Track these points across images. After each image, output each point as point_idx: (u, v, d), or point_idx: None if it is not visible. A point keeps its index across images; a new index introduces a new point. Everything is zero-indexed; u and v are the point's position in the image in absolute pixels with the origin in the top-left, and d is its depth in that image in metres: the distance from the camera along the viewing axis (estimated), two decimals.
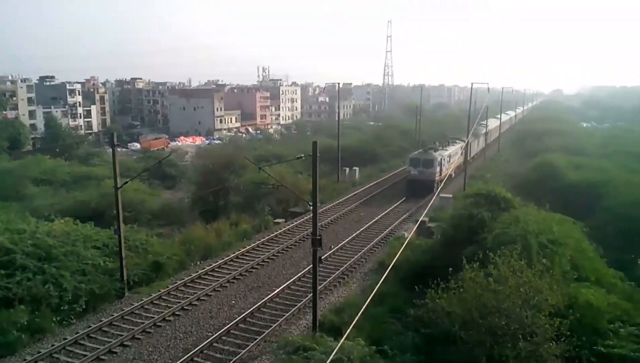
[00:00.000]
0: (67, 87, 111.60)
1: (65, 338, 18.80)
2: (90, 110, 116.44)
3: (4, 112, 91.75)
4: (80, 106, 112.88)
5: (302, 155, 22.33)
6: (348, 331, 13.16)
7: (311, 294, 20.15)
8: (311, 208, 19.36)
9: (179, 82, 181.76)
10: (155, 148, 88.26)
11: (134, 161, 62.27)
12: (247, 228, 32.88)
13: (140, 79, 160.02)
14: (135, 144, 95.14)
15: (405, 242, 20.24)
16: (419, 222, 27.61)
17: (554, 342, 15.07)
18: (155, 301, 22.34)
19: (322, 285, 23.23)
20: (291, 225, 34.13)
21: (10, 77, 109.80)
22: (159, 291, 23.14)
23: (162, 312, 21.17)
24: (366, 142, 68.19)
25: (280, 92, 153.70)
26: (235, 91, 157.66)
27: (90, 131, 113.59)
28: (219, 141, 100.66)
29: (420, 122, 64.09)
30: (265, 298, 22.64)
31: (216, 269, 26.26)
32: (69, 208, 34.49)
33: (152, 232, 29.88)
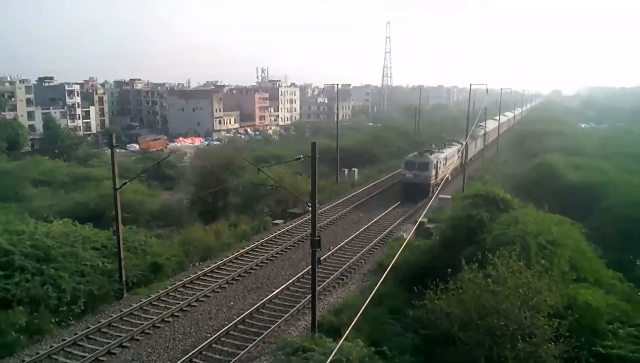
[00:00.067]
0: (66, 88, 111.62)
1: (64, 340, 18.76)
2: (89, 111, 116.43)
3: (2, 113, 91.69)
4: (79, 107, 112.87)
5: (301, 156, 22.35)
6: (347, 332, 13.15)
7: (310, 295, 20.14)
8: (310, 209, 19.36)
9: (178, 83, 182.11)
10: (154, 149, 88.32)
11: (132, 162, 62.22)
12: (246, 229, 32.86)
13: (139, 80, 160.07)
14: (134, 145, 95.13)
15: (404, 243, 20.23)
16: (418, 223, 27.63)
17: (553, 343, 15.08)
18: (154, 303, 22.31)
19: (321, 286, 23.22)
20: (290, 226, 34.12)
21: (9, 78, 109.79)
22: (158, 292, 23.11)
23: (161, 313, 21.13)
24: (365, 143, 68.24)
25: (279, 93, 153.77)
26: (234, 92, 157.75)
27: (89, 132, 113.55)
28: (218, 142, 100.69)
29: (419, 123, 64.12)
30: (264, 299, 22.62)
31: (215, 270, 26.24)
32: (67, 209, 34.45)
33: (151, 233, 29.87)
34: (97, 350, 18.16)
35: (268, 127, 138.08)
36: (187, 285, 24.28)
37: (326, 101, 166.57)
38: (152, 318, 20.64)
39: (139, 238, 27.11)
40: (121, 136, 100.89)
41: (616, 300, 18.59)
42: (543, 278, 16.50)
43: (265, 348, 18.63)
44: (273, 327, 20.11)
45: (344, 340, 13.50)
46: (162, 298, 22.80)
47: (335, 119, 59.10)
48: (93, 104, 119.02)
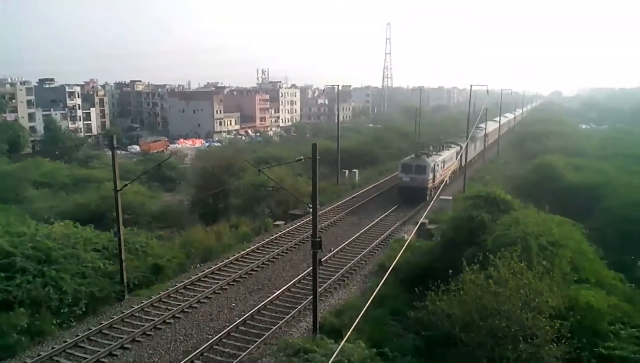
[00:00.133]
0: (67, 89, 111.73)
1: (66, 341, 18.76)
2: (89, 113, 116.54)
3: (3, 115, 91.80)
4: (79, 108, 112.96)
5: (302, 157, 22.38)
6: (348, 333, 13.14)
7: (311, 296, 20.14)
8: (311, 210, 19.36)
9: (179, 85, 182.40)
10: (155, 151, 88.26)
11: (133, 163, 62.35)
12: (247, 231, 32.86)
13: (140, 81, 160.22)
14: (135, 146, 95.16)
15: (405, 244, 20.22)
16: (418, 224, 27.66)
17: (554, 344, 15.09)
18: (155, 304, 22.31)
19: (322, 287, 23.21)
20: (291, 227, 34.11)
21: (9, 80, 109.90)
22: (159, 293, 23.10)
23: (162, 315, 21.13)
24: (366, 144, 68.27)
25: (280, 94, 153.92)
26: (235, 93, 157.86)
27: (89, 134, 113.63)
28: (218, 144, 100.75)
29: (419, 124, 64.14)
30: (266, 301, 22.61)
31: (216, 271, 26.24)
32: (68, 211, 34.50)
33: (152, 235, 29.89)
34: (99, 351, 18.16)
35: (268, 129, 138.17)
36: (188, 287, 24.28)
37: (327, 102, 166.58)
38: (153, 320, 20.64)
39: (140, 240, 27.12)
40: (122, 137, 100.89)
41: (617, 301, 18.61)
42: (544, 279, 16.51)
43: (266, 350, 18.62)
44: (274, 328, 20.10)
45: (345, 342, 13.50)
46: (163, 299, 22.79)
47: (336, 120, 59.16)
48: (94, 106, 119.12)
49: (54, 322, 19.73)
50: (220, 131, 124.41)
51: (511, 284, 15.91)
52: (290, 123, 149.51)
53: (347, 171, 52.81)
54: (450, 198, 38.99)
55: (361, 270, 27.26)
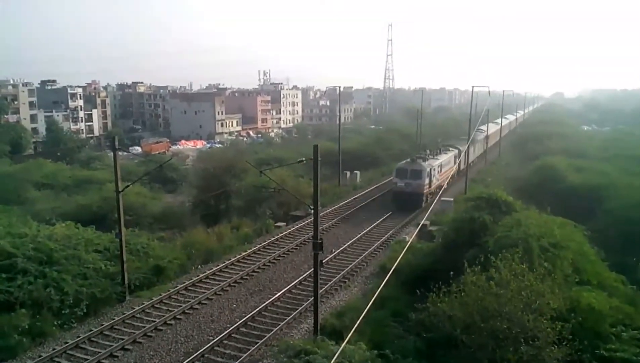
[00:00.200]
0: (69, 91, 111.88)
1: (67, 342, 18.79)
2: (91, 114, 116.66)
3: (5, 116, 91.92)
4: (81, 109, 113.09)
5: (303, 159, 22.39)
6: (349, 335, 13.13)
7: (312, 298, 20.13)
8: (312, 211, 19.36)
9: (180, 86, 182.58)
10: (157, 152, 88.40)
11: (135, 164, 62.41)
12: (248, 232, 32.88)
13: (142, 83, 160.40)
14: (137, 148, 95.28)
15: (407, 246, 20.26)
16: (420, 225, 27.60)
17: (556, 346, 15.06)
18: (156, 305, 22.32)
19: (323, 289, 23.20)
20: (292, 229, 34.12)
21: (11, 81, 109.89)
22: (160, 295, 23.12)
23: (164, 316, 21.14)
24: (367, 145, 68.26)
25: (281, 95, 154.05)
26: (236, 94, 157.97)
27: (91, 135, 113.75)
28: (220, 145, 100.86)
29: (421, 125, 64.13)
30: (267, 302, 22.61)
31: (217, 273, 26.24)
32: (70, 212, 34.51)
33: (153, 236, 29.88)
34: (100, 352, 18.17)
35: (270, 130, 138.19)
36: (189, 288, 24.29)
37: (328, 103, 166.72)
38: (154, 321, 20.65)
39: (142, 241, 27.13)
40: (123, 138, 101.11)
41: (619, 302, 18.58)
42: (546, 281, 16.48)
43: (267, 351, 18.62)
44: (275, 329, 20.10)
45: (346, 343, 13.47)
46: (164, 300, 22.81)
47: (337, 121, 59.23)
48: (95, 107, 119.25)
49: (55, 323, 19.75)
50: (222, 133, 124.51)
51: (512, 286, 15.89)
52: (291, 124, 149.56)
53: (348, 173, 52.82)
54: (452, 199, 38.93)
55: (362, 271, 27.25)
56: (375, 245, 30.99)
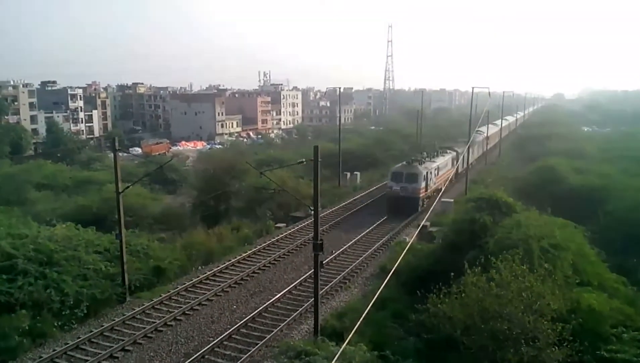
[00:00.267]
0: (69, 92, 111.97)
1: (67, 343, 18.77)
2: (91, 115, 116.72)
3: (5, 117, 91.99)
4: (81, 110, 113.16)
5: (304, 160, 22.40)
6: (350, 336, 13.11)
7: (312, 299, 20.12)
8: (312, 212, 19.36)
9: (180, 87, 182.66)
10: (157, 153, 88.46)
11: (135, 165, 62.38)
12: (249, 233, 32.87)
13: (142, 84, 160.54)
14: (137, 149, 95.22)
15: (407, 247, 20.20)
16: (420, 226, 27.55)
17: (556, 347, 15.06)
18: (156, 306, 22.31)
19: (323, 290, 23.19)
20: (292, 230, 34.11)
21: (12, 82, 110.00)
22: (161, 296, 23.11)
23: (164, 317, 21.14)
24: (367, 146, 68.29)
25: (281, 96, 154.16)
26: (237, 95, 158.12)
27: (91, 136, 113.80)
28: (220, 146, 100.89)
29: (421, 126, 64.13)
30: (267, 303, 22.60)
31: (217, 274, 26.24)
32: (70, 213, 34.49)
33: (153, 237, 29.85)
34: (100, 353, 18.16)
35: (270, 131, 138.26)
36: (189, 289, 24.28)
37: (328, 104, 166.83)
38: (154, 322, 20.64)
39: (142, 242, 27.11)
40: (124, 139, 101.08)
41: (620, 303, 18.57)
42: (546, 282, 16.48)
43: (267, 352, 18.62)
44: (275, 330, 20.08)
45: (346, 344, 13.46)
46: (164, 301, 22.80)
47: (338, 122, 59.23)
48: (96, 108, 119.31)
49: (56, 324, 19.73)
50: (222, 133, 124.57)
51: (513, 287, 15.89)
52: (291, 125, 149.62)
53: (348, 174, 52.82)
54: (452, 200, 38.91)
55: (362, 272, 27.24)
56: (376, 246, 30.98)
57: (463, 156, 48.26)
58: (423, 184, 39.05)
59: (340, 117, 56.64)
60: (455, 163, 48.81)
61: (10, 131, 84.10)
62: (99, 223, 30.22)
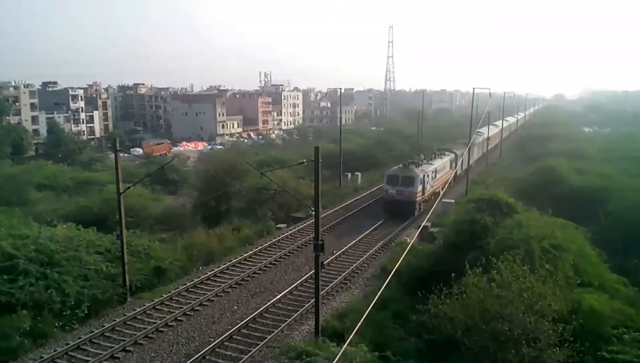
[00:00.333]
0: (70, 92, 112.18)
1: (68, 344, 18.79)
2: (92, 115, 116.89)
3: (7, 117, 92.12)
4: (82, 111, 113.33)
5: (304, 160, 22.40)
6: (351, 336, 13.13)
7: (313, 299, 20.12)
8: (313, 213, 19.37)
9: (181, 88, 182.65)
10: (158, 153, 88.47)
11: (136, 166, 62.44)
12: (250, 233, 32.90)
13: (143, 84, 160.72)
14: (138, 149, 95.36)
15: (408, 247, 20.17)
16: (421, 227, 27.55)
17: (557, 348, 15.05)
18: (157, 307, 22.33)
19: (324, 290, 23.18)
20: (293, 230, 34.13)
21: (13, 83, 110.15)
22: (162, 296, 23.13)
23: (165, 317, 21.15)
24: (368, 147, 68.34)
25: (282, 97, 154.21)
26: (237, 96, 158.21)
27: (92, 137, 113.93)
28: (221, 146, 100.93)
29: (422, 127, 64.11)
30: (268, 304, 22.61)
31: (218, 274, 26.25)
32: (71, 214, 34.54)
33: (154, 237, 29.88)
34: (101, 354, 18.18)
35: (271, 132, 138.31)
36: (190, 289, 24.29)
37: (329, 105, 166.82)
38: (155, 323, 20.66)
39: (143, 242, 27.14)
40: (125, 140, 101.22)
41: (621, 304, 18.56)
42: (547, 283, 16.47)
43: (268, 353, 18.62)
44: (276, 331, 20.09)
45: (347, 345, 13.47)
46: (165, 302, 22.82)
47: (338, 123, 59.25)
48: (97, 109, 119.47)
49: (57, 324, 19.76)
50: (223, 134, 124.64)
51: (514, 287, 15.89)
52: (292, 126, 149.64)
53: (349, 174, 52.84)
54: (453, 201, 38.87)
55: (363, 273, 27.24)
56: (377, 246, 30.99)
57: (462, 158, 47.93)
58: (420, 188, 38.01)
59: (341, 118, 56.67)
60: (453, 165, 48.22)
61: (12, 131, 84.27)
62: (100, 223, 30.24)
